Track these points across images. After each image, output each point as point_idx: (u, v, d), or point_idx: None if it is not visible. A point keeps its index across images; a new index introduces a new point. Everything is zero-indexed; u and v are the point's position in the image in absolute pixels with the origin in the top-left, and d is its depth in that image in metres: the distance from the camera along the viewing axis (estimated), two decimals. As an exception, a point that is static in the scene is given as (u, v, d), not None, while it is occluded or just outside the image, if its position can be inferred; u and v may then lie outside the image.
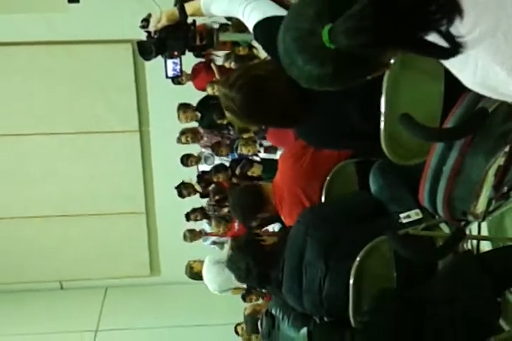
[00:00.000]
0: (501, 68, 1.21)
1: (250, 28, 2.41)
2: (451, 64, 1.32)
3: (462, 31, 1.20)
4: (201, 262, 7.19)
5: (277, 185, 3.41)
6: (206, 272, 7.01)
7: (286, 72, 2.25)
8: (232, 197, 3.70)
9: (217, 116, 7.05)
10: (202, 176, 8.26)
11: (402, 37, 1.18)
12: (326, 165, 3.28)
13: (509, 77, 1.21)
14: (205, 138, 8.08)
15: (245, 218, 3.81)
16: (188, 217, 8.22)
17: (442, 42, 1.21)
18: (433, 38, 1.22)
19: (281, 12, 2.35)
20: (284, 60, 1.34)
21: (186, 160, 8.16)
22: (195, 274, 7.28)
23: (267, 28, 2.33)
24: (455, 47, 1.20)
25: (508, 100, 1.35)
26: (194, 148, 8.35)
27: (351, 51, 1.20)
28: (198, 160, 8.21)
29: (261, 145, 6.88)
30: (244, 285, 6.49)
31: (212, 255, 7.35)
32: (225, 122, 7.25)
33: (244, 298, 7.09)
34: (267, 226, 5.23)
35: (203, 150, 8.26)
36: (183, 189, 8.18)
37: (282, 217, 3.48)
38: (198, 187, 8.26)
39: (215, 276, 6.87)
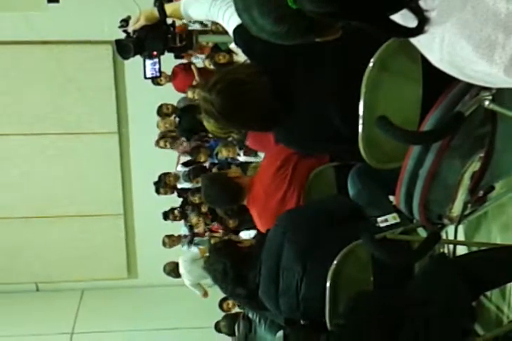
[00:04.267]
0: (468, 42, 1.17)
1: (230, 32, 2.40)
2: (419, 41, 1.30)
3: (431, 5, 1.19)
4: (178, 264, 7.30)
5: (255, 184, 3.42)
6: (183, 266, 7.10)
7: (263, 74, 2.25)
8: (204, 186, 3.69)
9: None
10: (181, 193, 8.31)
11: (370, 14, 1.17)
12: (306, 174, 3.30)
13: (475, 53, 1.17)
14: (184, 144, 8.08)
15: (219, 207, 3.84)
16: (166, 215, 8.21)
17: (406, 22, 1.20)
18: (395, 17, 1.21)
19: None
20: (238, 3, 1.29)
21: (164, 178, 8.18)
22: (172, 270, 7.38)
23: (246, 31, 2.32)
24: (422, 23, 1.18)
25: (475, 83, 1.32)
26: (172, 154, 8.36)
27: (311, 15, 1.18)
28: (176, 179, 8.23)
29: (241, 148, 6.89)
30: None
31: (186, 253, 7.45)
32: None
33: (221, 305, 7.08)
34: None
35: (179, 168, 8.28)
36: (161, 186, 8.18)
37: (253, 216, 3.50)
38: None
39: (192, 268, 6.98)
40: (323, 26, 1.27)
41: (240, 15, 1.31)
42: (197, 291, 7.56)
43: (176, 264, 7.54)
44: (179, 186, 8.32)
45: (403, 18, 1.21)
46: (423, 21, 1.19)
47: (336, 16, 1.18)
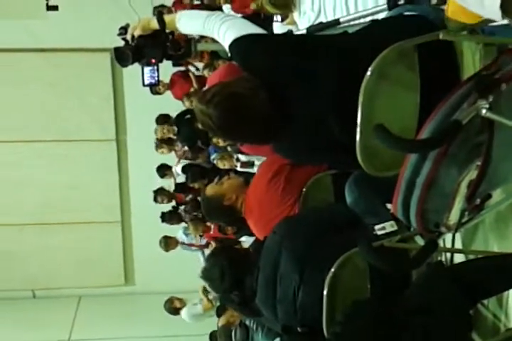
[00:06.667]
0: None
1: (226, 46, 2.40)
2: None
3: None
4: (181, 300, 7.58)
5: (249, 195, 3.44)
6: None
7: (261, 88, 2.26)
8: (202, 201, 3.75)
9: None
10: (178, 187, 8.31)
11: None
12: (303, 182, 3.31)
13: None
14: (185, 148, 8.11)
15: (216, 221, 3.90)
16: (163, 217, 8.20)
17: None
18: None
19: (256, 30, 2.36)
20: None
21: (163, 172, 8.21)
22: (173, 309, 7.55)
23: (243, 45, 2.33)
24: None
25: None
26: (171, 157, 8.36)
27: None
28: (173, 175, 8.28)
29: (237, 159, 6.86)
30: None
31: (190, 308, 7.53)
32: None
33: (219, 317, 7.04)
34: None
35: (178, 168, 8.28)
36: (159, 195, 8.20)
37: (250, 226, 3.52)
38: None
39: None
40: None
41: None
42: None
43: (177, 300, 7.67)
44: (177, 181, 8.35)
45: None
46: None
47: None
